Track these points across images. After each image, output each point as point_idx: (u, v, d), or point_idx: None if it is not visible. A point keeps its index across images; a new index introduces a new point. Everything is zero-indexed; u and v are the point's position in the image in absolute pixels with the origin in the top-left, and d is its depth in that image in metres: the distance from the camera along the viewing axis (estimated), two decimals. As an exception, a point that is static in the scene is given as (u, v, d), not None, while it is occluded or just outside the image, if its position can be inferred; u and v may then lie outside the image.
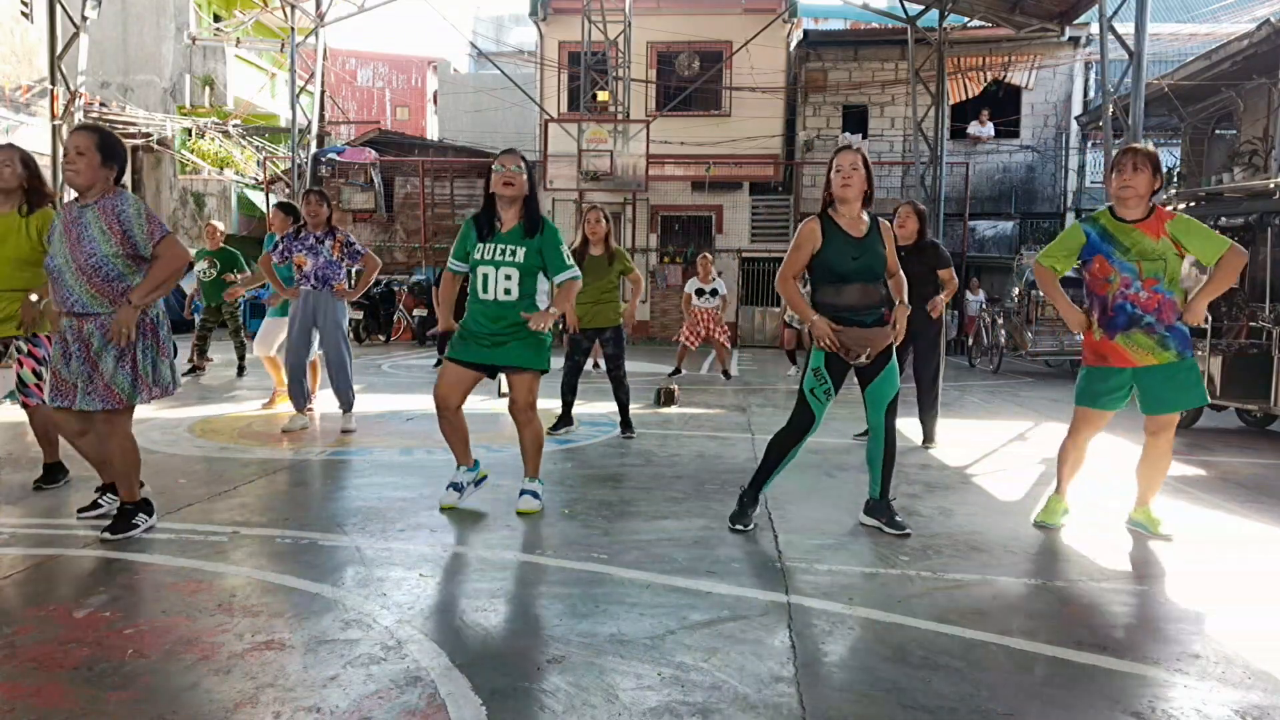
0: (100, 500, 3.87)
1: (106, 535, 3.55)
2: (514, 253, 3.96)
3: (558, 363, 6.41)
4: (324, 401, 6.83)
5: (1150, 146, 3.86)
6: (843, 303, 3.77)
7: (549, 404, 6.38)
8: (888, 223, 3.95)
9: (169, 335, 3.72)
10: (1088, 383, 3.96)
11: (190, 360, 10.09)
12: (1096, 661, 2.56)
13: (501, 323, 3.97)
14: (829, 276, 3.79)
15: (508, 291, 3.95)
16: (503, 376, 4.18)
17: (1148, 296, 3.74)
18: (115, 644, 2.52)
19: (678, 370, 10.57)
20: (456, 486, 4.19)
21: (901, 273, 4.00)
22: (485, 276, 3.97)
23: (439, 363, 8.08)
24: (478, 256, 3.99)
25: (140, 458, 3.69)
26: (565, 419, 6.42)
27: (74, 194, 3.61)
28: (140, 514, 3.69)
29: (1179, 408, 3.83)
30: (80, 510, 3.85)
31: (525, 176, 4.00)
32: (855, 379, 3.95)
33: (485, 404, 7.58)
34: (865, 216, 3.85)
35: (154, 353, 3.61)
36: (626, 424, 6.37)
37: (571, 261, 4.07)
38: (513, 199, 3.99)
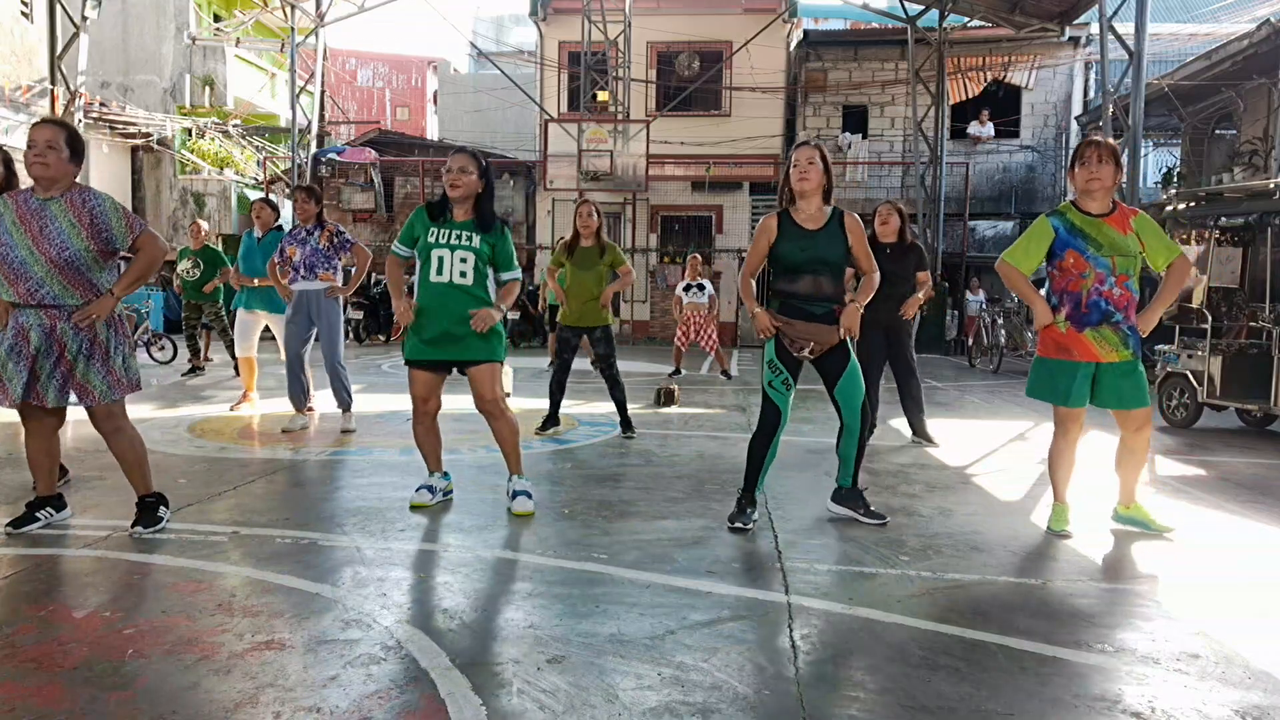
0: (38, 514, 3.67)
1: (139, 531, 3.60)
2: (469, 238, 3.97)
3: (541, 362, 6.41)
4: (323, 401, 6.82)
5: (1111, 139, 3.85)
6: (792, 289, 3.89)
7: (540, 403, 6.38)
8: (857, 220, 3.96)
9: (128, 330, 3.77)
10: (1053, 379, 3.85)
11: (190, 361, 10.11)
12: (1096, 661, 2.56)
13: (454, 310, 3.94)
14: (781, 266, 3.93)
15: (463, 275, 3.95)
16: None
17: (1120, 293, 3.73)
18: (115, 644, 2.52)
19: (677, 370, 10.59)
20: (429, 489, 4.21)
21: (876, 274, 3.99)
22: (440, 259, 3.94)
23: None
24: (431, 240, 3.96)
25: (145, 449, 3.76)
26: (553, 418, 6.35)
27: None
28: (161, 506, 3.76)
29: (1135, 406, 3.81)
30: (13, 524, 3.60)
31: (474, 176, 3.96)
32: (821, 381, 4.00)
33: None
34: (827, 210, 3.91)
35: (124, 347, 3.65)
36: (626, 423, 6.36)
37: (517, 265, 4.16)
38: (462, 198, 3.98)
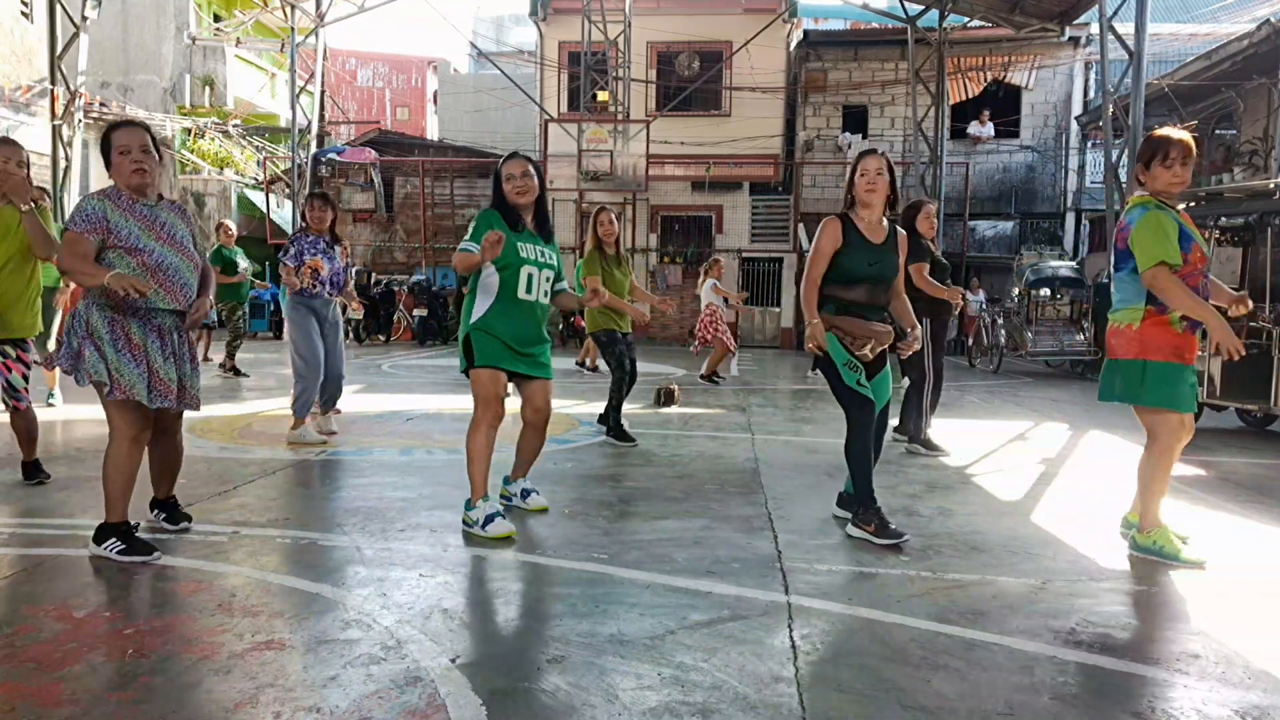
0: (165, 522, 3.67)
1: (186, 526, 3.64)
2: (549, 255, 3.92)
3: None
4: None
5: (1188, 136, 3.61)
6: (851, 298, 3.79)
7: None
8: (905, 234, 3.93)
9: None
10: (1181, 384, 3.52)
11: (209, 359, 10.16)
12: (1096, 661, 2.56)
13: (536, 327, 3.88)
14: (842, 278, 3.78)
15: (546, 294, 3.90)
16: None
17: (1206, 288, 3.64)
18: (115, 644, 2.52)
19: (719, 376, 10.33)
20: (502, 515, 3.77)
21: (904, 295, 3.97)
22: (530, 276, 3.81)
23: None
24: (523, 255, 3.80)
25: None
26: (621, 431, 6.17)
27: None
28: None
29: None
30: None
31: (535, 180, 3.89)
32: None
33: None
34: (885, 223, 3.86)
35: None
36: (615, 422, 6.36)
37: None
38: (529, 204, 3.91)
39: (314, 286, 5.80)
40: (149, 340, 3.34)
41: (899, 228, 3.93)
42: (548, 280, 3.89)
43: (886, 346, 3.84)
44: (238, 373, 9.92)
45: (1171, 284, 3.42)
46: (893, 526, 3.70)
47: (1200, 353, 6.99)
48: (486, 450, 3.77)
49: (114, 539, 3.28)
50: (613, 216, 6.30)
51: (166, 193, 20.64)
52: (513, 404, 3.89)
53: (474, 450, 3.76)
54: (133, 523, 3.38)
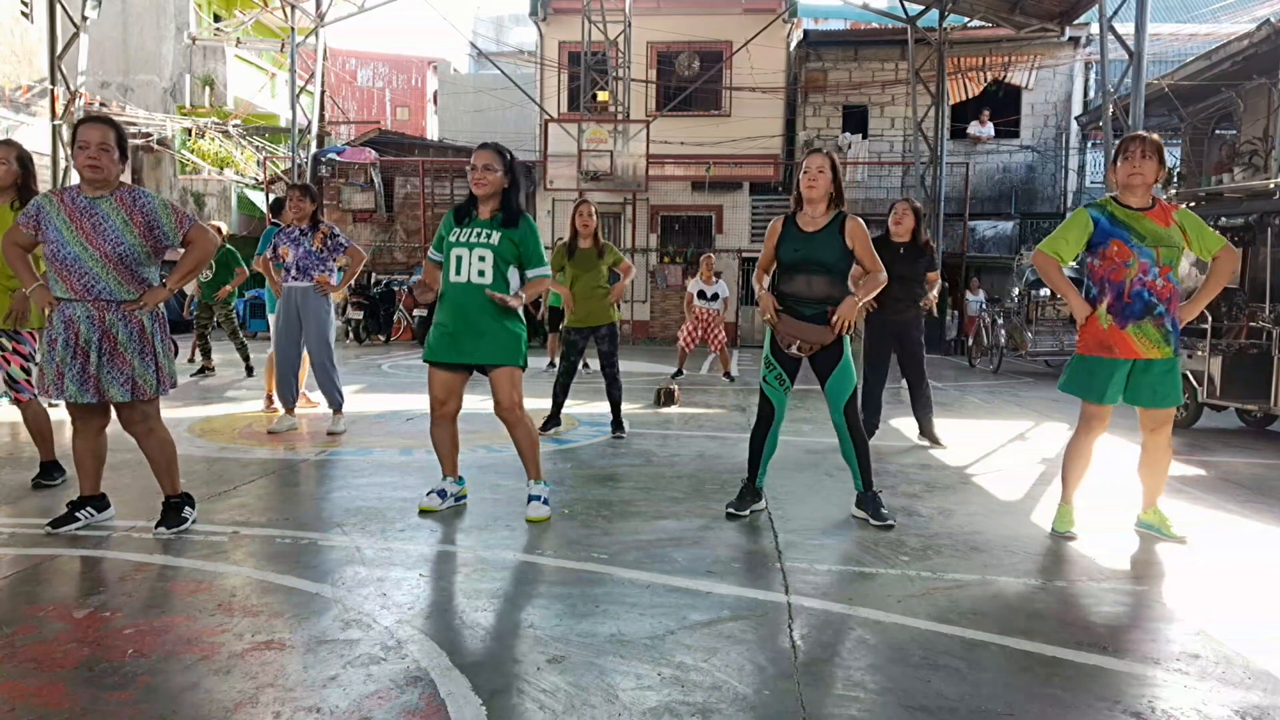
0: (78, 514, 3.64)
1: (161, 531, 3.62)
2: (488, 236, 3.91)
3: (541, 362, 6.37)
4: (320, 401, 6.81)
5: (1155, 136, 3.81)
6: (786, 290, 4.02)
7: (540, 403, 6.39)
8: (859, 223, 4.00)
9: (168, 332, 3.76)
10: (1091, 375, 3.80)
11: (194, 360, 10.12)
12: (1096, 661, 2.56)
13: (473, 311, 3.88)
14: (780, 266, 4.08)
15: (481, 274, 3.88)
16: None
17: (1163, 284, 3.70)
18: (115, 644, 2.52)
19: (679, 371, 10.53)
20: (440, 493, 4.14)
21: (881, 274, 4.02)
22: (459, 258, 3.91)
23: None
24: (452, 239, 3.95)
25: (176, 450, 3.78)
26: (554, 419, 6.38)
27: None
28: (187, 506, 3.77)
29: (1168, 404, 3.79)
30: (52, 524, 3.60)
31: (500, 173, 3.93)
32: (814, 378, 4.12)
33: (486, 403, 7.57)
34: (830, 214, 4.00)
35: (165, 345, 3.66)
36: (618, 424, 6.36)
37: (547, 261, 4.07)
38: (488, 195, 3.95)
39: (281, 273, 6.10)
40: (58, 333, 3.46)
41: (850, 219, 4.01)
42: (482, 260, 3.89)
43: (837, 339, 3.97)
44: (249, 371, 9.95)
45: (1041, 263, 3.90)
46: (731, 509, 4.09)
47: (1199, 352, 7.06)
48: (436, 440, 4.16)
49: (88, 508, 3.70)
50: (592, 209, 6.26)
51: (166, 193, 20.65)
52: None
53: (431, 440, 4.20)
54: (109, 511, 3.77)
